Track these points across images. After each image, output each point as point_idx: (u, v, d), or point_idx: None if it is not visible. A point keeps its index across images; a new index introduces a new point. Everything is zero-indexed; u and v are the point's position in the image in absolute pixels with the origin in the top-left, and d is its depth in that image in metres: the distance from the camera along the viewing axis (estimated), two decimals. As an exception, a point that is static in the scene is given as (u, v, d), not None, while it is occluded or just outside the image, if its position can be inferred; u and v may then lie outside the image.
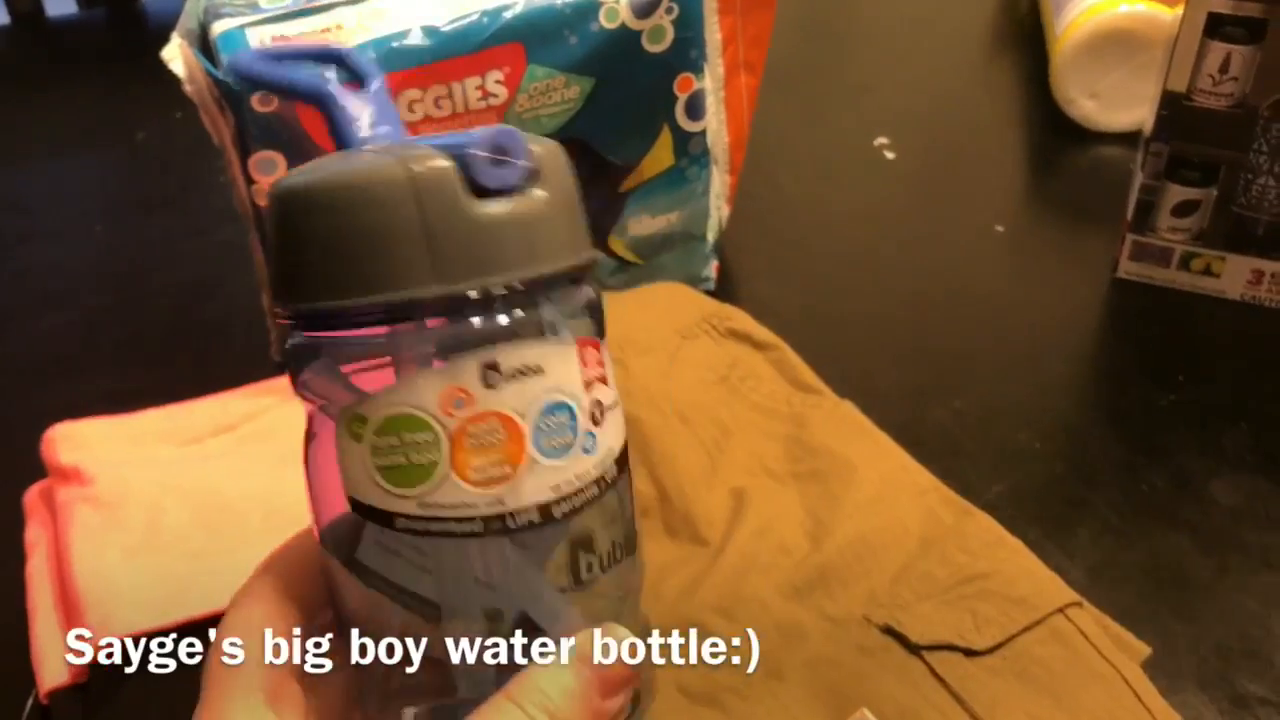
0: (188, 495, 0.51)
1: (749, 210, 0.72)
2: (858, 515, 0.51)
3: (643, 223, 0.63)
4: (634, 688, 0.30)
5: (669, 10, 0.57)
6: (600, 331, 0.30)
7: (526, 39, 0.55)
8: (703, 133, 0.61)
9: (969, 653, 0.45)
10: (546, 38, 0.55)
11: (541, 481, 0.28)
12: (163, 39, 0.55)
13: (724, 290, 0.68)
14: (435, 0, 0.55)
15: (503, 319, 0.27)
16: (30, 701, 0.46)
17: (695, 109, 0.60)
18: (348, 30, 0.54)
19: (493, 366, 0.27)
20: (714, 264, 0.67)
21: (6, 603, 0.49)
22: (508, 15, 0.54)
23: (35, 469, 0.54)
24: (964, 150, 0.80)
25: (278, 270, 0.29)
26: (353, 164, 0.29)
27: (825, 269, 0.70)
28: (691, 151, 0.61)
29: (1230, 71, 0.59)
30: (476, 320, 0.27)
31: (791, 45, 0.91)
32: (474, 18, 0.54)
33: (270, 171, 0.53)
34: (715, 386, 0.57)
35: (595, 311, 0.30)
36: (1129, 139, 0.76)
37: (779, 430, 0.56)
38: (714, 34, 0.61)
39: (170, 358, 0.65)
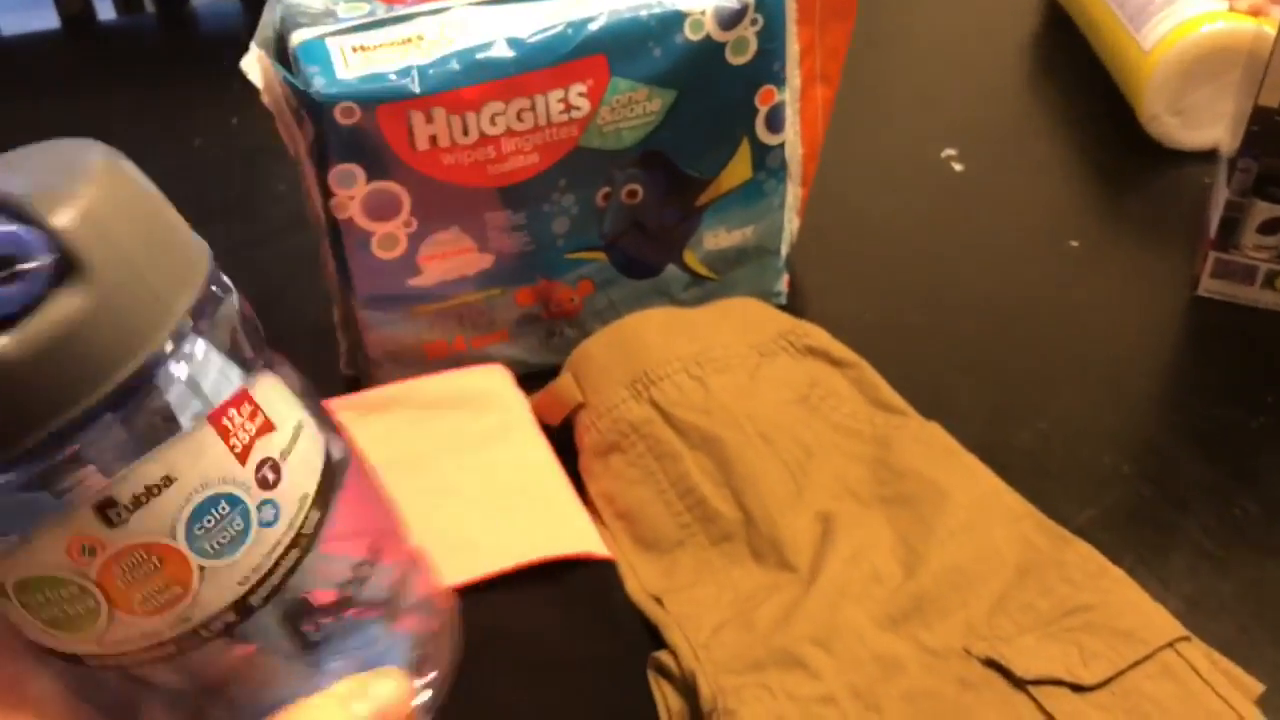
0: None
1: (818, 223, 0.70)
2: (951, 543, 0.49)
3: (718, 237, 0.61)
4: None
5: (753, 22, 0.55)
6: (249, 364, 0.26)
7: (610, 51, 0.54)
8: (781, 146, 0.60)
9: (1076, 688, 0.43)
10: (630, 50, 0.54)
11: (225, 582, 0.24)
12: (214, 43, 0.54)
13: (795, 305, 0.66)
14: (519, 11, 0.54)
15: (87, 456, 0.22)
16: None
17: (775, 121, 0.59)
18: (430, 41, 0.53)
19: (109, 504, 0.23)
20: (785, 278, 0.66)
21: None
22: (592, 27, 0.53)
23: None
24: (1033, 163, 0.78)
25: None
26: None
27: (896, 283, 0.69)
28: (770, 165, 0.60)
29: (1326, 87, 0.58)
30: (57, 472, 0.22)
31: (855, 54, 0.89)
32: (558, 29, 0.53)
33: (350, 184, 0.53)
34: (796, 406, 0.56)
35: (236, 353, 0.25)
36: (1203, 156, 0.75)
37: (863, 452, 0.55)
38: (793, 45, 0.60)
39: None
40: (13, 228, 0.20)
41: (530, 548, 0.49)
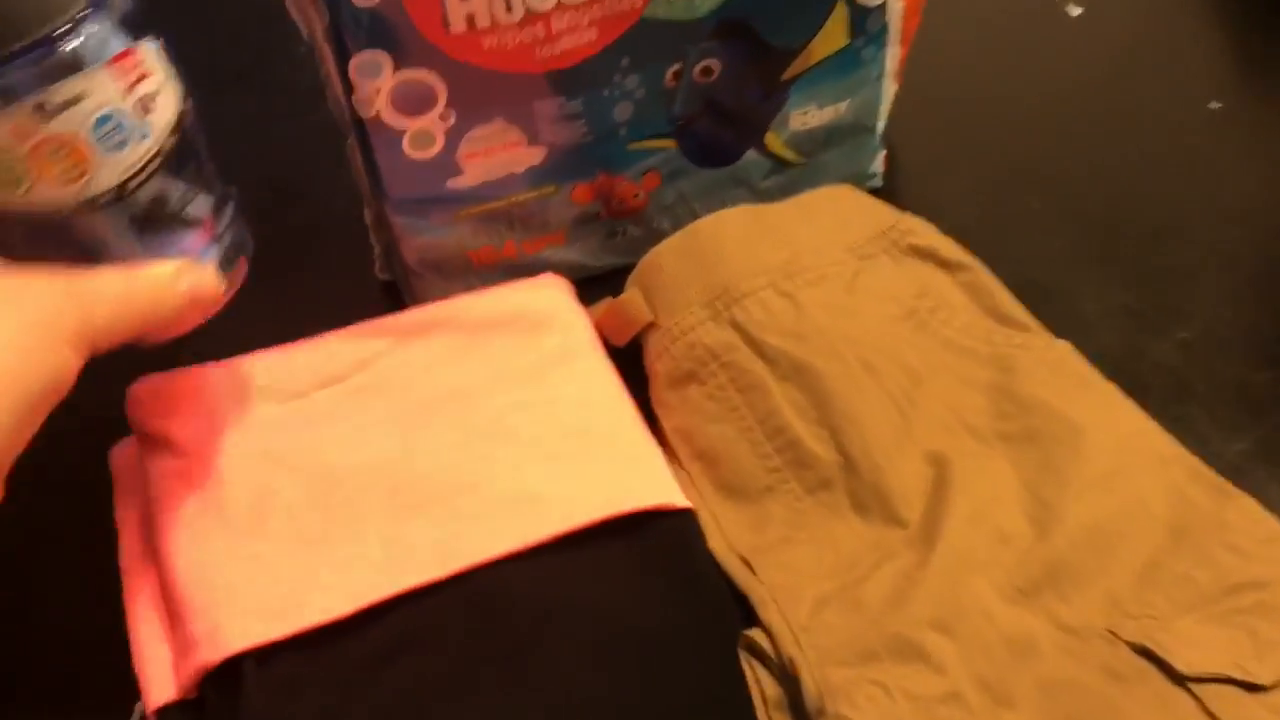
0: (297, 467, 0.44)
1: (916, 87, 0.61)
2: (1089, 495, 0.42)
3: (807, 115, 0.52)
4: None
5: None
6: (136, 35, 0.37)
7: (681, -101, 0.44)
8: (882, 5, 0.50)
9: (1250, 687, 0.37)
10: (705, -103, 0.44)
11: (111, 171, 0.37)
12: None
13: (891, 187, 0.58)
14: None
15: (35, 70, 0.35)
16: (137, 716, 0.41)
17: (878, -23, 0.49)
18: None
19: (40, 106, 0.35)
20: (881, 156, 0.57)
21: (103, 597, 0.43)
22: None
23: (120, 424, 0.47)
24: (1166, 6, 0.67)
25: None
26: None
27: (1006, 158, 0.60)
28: (870, 29, 0.51)
29: None
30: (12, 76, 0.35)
31: None
32: (616, -127, 0.43)
33: (375, 75, 0.44)
34: (902, 322, 0.48)
35: (127, 19, 0.37)
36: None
37: (980, 376, 0.47)
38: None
39: (253, 277, 0.57)
40: None
41: (601, 501, 0.43)
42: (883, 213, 0.52)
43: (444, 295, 0.52)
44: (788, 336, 0.46)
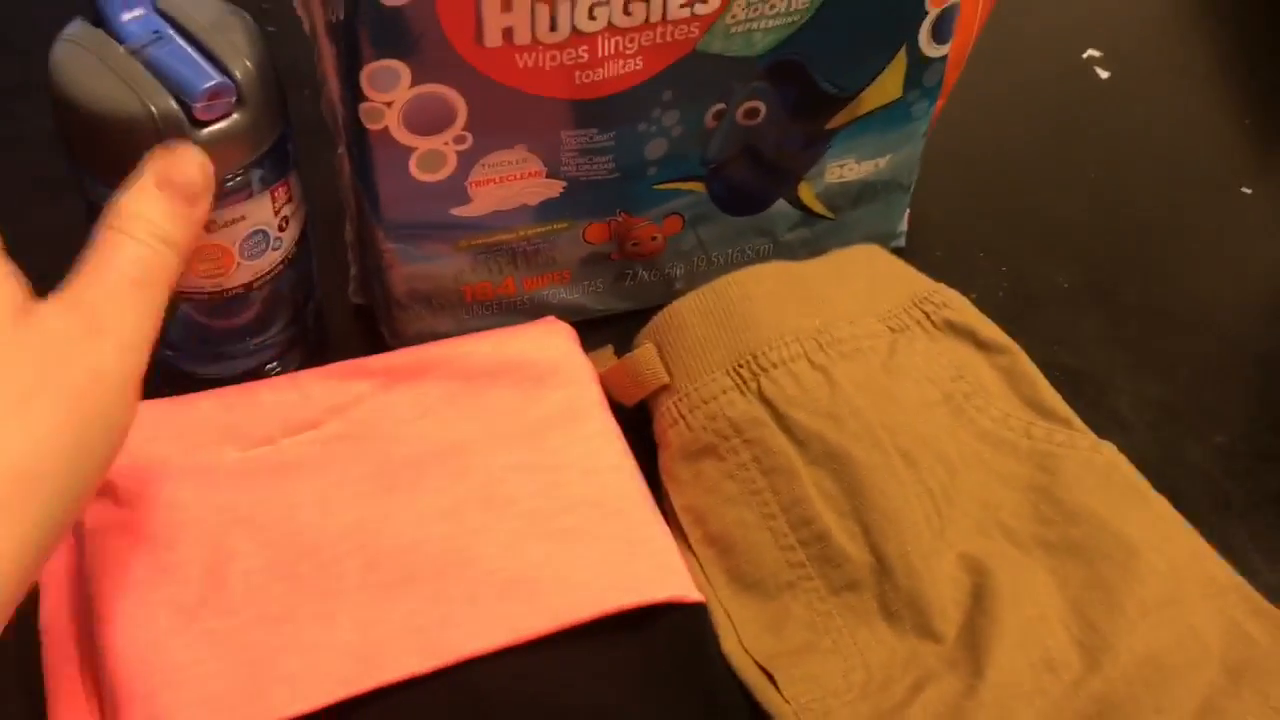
0: (261, 528, 0.38)
1: (942, 143, 0.57)
2: (1144, 624, 0.39)
3: (845, 168, 0.48)
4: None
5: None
6: (287, 169, 0.41)
7: (752, -75, 0.39)
8: (944, 59, 0.46)
9: None
10: (779, -74, 0.39)
11: (246, 273, 0.41)
12: None
13: (913, 249, 0.54)
14: None
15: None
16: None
17: (944, 29, 0.45)
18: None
19: (211, 223, 0.39)
20: (906, 215, 0.53)
21: (13, 665, 0.36)
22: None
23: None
24: (1196, 75, 0.65)
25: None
26: (101, 89, 0.36)
27: (1034, 228, 0.56)
28: (926, 82, 0.46)
29: None
30: None
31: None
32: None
33: (390, 87, 0.38)
34: (939, 408, 0.44)
35: (283, 158, 0.40)
36: None
37: (1019, 473, 0.43)
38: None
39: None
40: (222, 78, 0.37)
41: (606, 591, 0.38)
42: (916, 280, 0.48)
43: (428, 329, 0.47)
44: (821, 416, 0.42)
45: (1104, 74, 0.63)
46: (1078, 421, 0.45)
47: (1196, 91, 0.64)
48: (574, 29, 0.38)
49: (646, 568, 0.39)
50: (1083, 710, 0.37)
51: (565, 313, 0.47)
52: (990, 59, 0.64)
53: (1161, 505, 0.42)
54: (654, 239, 0.47)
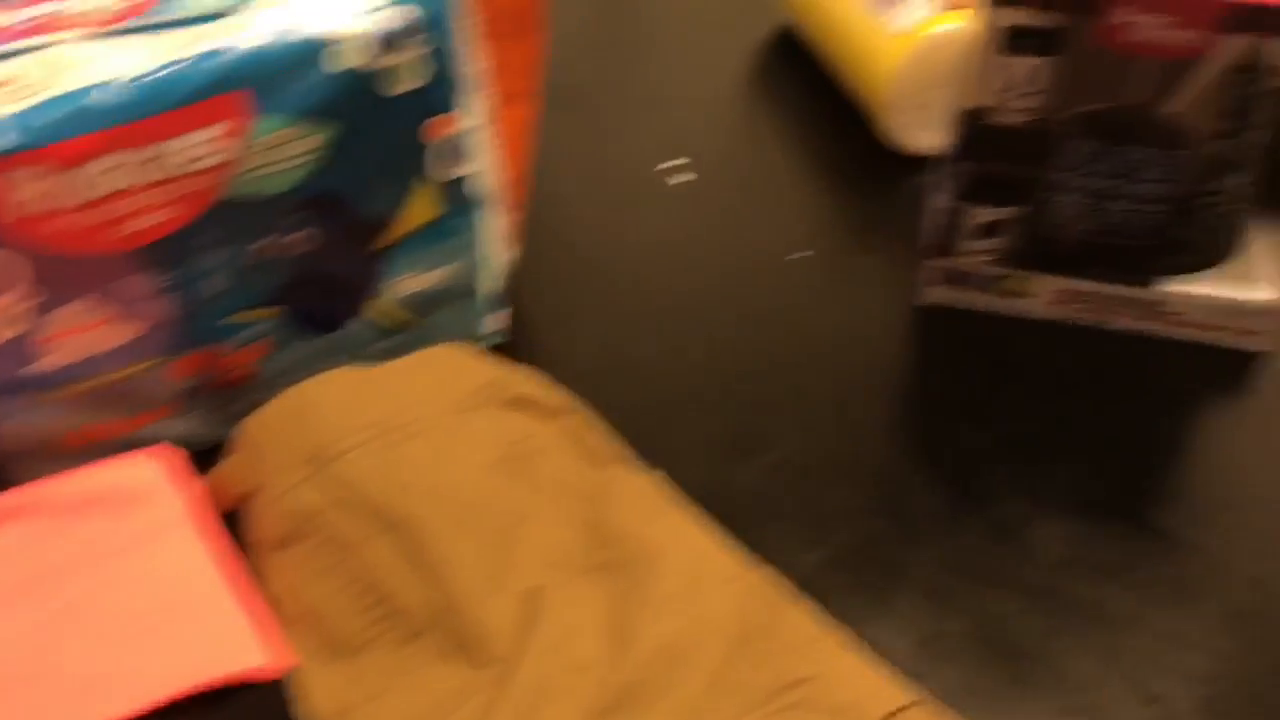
0: None
1: (539, 247, 0.65)
2: (664, 613, 0.45)
3: (408, 281, 0.55)
4: None
5: (418, 45, 0.49)
6: None
7: (249, 86, 0.47)
8: (470, 177, 0.54)
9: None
10: (273, 84, 0.47)
11: None
12: None
13: (515, 342, 0.61)
14: (136, 44, 0.46)
15: None
16: None
17: (458, 151, 0.53)
18: (25, 85, 0.45)
19: None
20: (501, 315, 0.61)
21: None
22: (226, 58, 0.46)
23: None
24: (765, 169, 0.75)
25: None
26: None
27: (622, 309, 0.65)
28: (458, 200, 0.54)
29: (1029, 86, 0.56)
30: None
31: (574, 59, 0.84)
32: (186, 63, 0.46)
33: (-65, 262, 0.44)
34: (499, 468, 0.51)
35: None
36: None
37: (575, 513, 0.50)
38: (478, 64, 0.55)
39: None
40: None
41: (173, 676, 0.42)
42: (489, 368, 0.55)
43: (47, 476, 0.51)
44: (385, 489, 0.48)
45: (686, 179, 0.73)
46: (630, 460, 0.52)
47: (761, 184, 0.74)
48: (97, 192, 0.45)
49: (220, 650, 0.44)
50: (608, 700, 0.43)
51: (187, 442, 0.52)
52: (586, 174, 0.73)
53: (683, 515, 0.49)
54: (242, 365, 0.53)
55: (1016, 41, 0.54)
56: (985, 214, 0.60)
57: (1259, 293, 0.60)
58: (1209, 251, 0.61)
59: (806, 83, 0.81)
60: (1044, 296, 0.62)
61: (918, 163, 0.72)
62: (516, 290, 0.63)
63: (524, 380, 0.55)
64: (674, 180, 0.73)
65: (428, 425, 0.51)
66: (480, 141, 0.56)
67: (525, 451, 0.52)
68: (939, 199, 0.61)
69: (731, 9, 0.90)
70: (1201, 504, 0.54)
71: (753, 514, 0.53)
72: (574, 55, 0.86)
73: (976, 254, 0.62)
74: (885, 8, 0.73)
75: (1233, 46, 0.52)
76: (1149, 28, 0.52)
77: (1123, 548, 0.52)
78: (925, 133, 0.72)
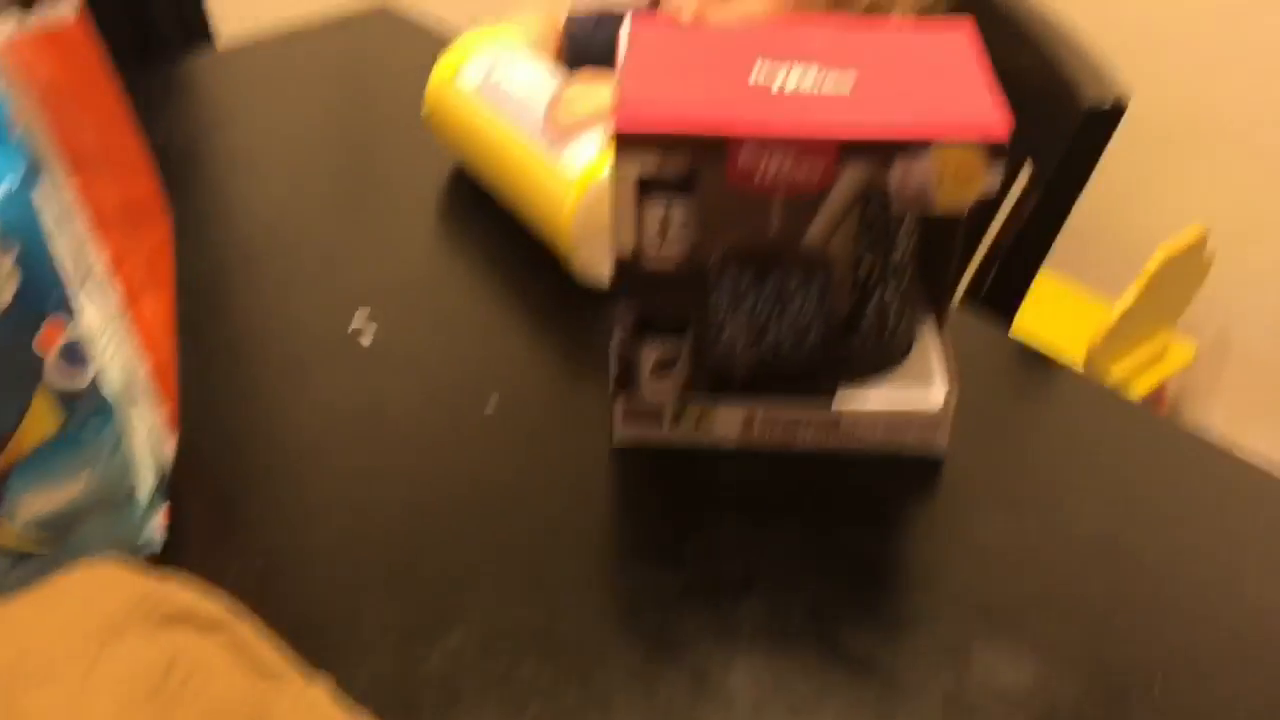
0: None
1: (203, 436, 0.61)
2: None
3: (40, 500, 0.51)
4: None
5: (6, 248, 0.46)
6: None
7: None
8: (93, 382, 0.50)
9: None
10: None
11: None
12: None
13: (176, 546, 0.57)
14: None
15: None
16: None
17: (78, 356, 0.49)
18: None
19: None
20: (159, 519, 0.56)
21: None
22: None
23: None
24: (454, 317, 0.73)
25: None
26: None
27: (303, 489, 0.61)
28: (86, 405, 0.50)
29: (672, 227, 0.56)
30: None
31: (249, 220, 0.82)
32: None
33: None
34: (148, 704, 0.46)
35: None
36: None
37: (238, 736, 0.46)
38: (94, 259, 0.51)
39: None
40: None
41: None
42: (138, 584, 0.50)
43: None
44: (6, 752, 0.43)
45: (366, 341, 0.71)
46: (294, 673, 0.49)
47: (446, 336, 0.72)
48: None
49: None
50: None
51: None
52: (266, 345, 0.70)
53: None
54: None
55: (647, 189, 0.55)
56: (657, 350, 0.60)
57: (929, 397, 0.62)
58: (875, 363, 0.62)
59: (493, 222, 0.80)
60: (729, 425, 0.62)
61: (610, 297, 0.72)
62: (177, 488, 0.58)
63: (181, 592, 0.50)
64: (360, 338, 0.71)
65: (61, 666, 0.46)
66: (109, 339, 0.52)
67: (182, 675, 0.47)
68: (615, 338, 0.61)
69: (406, 154, 0.89)
70: (890, 622, 0.55)
71: (441, 699, 0.50)
72: (250, 217, 0.83)
73: (657, 389, 0.62)
74: (557, 148, 0.73)
75: (854, 178, 0.54)
76: (774, 167, 0.54)
77: (819, 679, 0.52)
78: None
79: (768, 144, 0.53)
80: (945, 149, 0.53)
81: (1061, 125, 0.75)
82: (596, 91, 0.73)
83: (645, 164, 0.54)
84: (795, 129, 0.53)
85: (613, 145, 0.54)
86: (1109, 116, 0.73)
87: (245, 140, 0.93)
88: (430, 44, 0.87)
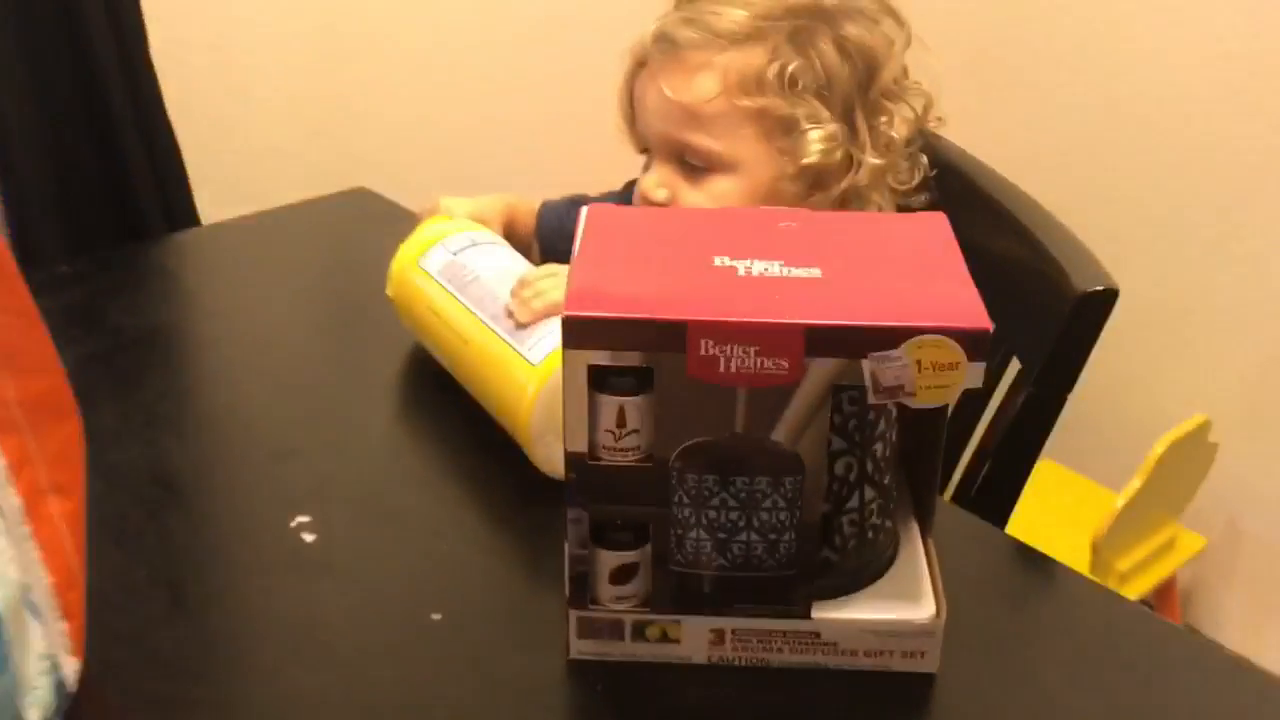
0: None
1: (122, 653, 0.56)
2: None
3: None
4: None
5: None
6: None
7: None
8: (-20, 602, 0.45)
9: None
10: None
11: None
12: None
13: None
14: None
15: None
16: None
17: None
18: None
19: None
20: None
21: None
22: None
23: None
24: (401, 516, 0.68)
25: None
26: None
27: (232, 712, 0.55)
28: (-38, 624, 0.45)
29: (628, 425, 0.52)
30: None
31: (202, 404, 0.78)
32: None
33: None
34: None
35: None
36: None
37: None
38: (-7, 459, 0.47)
39: None
40: None
41: None
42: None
43: None
44: None
45: (309, 538, 0.65)
46: None
47: (390, 537, 0.67)
48: None
49: None
50: None
51: None
52: (204, 548, 0.64)
53: None
54: None
55: (602, 380, 0.50)
56: (614, 558, 0.55)
57: (917, 612, 0.56)
58: (856, 572, 0.57)
59: (454, 409, 0.76)
60: (696, 640, 0.56)
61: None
62: (81, 714, 0.52)
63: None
64: (302, 534, 0.65)
65: None
66: (10, 544, 0.47)
67: None
68: (570, 542, 0.55)
69: (371, 337, 0.85)
70: None
71: None
72: (207, 402, 0.79)
73: (616, 601, 0.56)
74: (520, 335, 0.69)
75: (824, 370, 0.50)
76: (737, 357, 0.49)
77: None
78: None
79: (730, 331, 0.49)
80: (922, 339, 0.48)
81: (1053, 312, 0.71)
82: (564, 279, 0.70)
83: (597, 352, 0.50)
84: (760, 314, 0.49)
85: (562, 331, 0.50)
86: (1102, 301, 0.70)
87: (213, 321, 0.90)
88: (406, 224, 0.84)
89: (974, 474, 0.76)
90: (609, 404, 0.51)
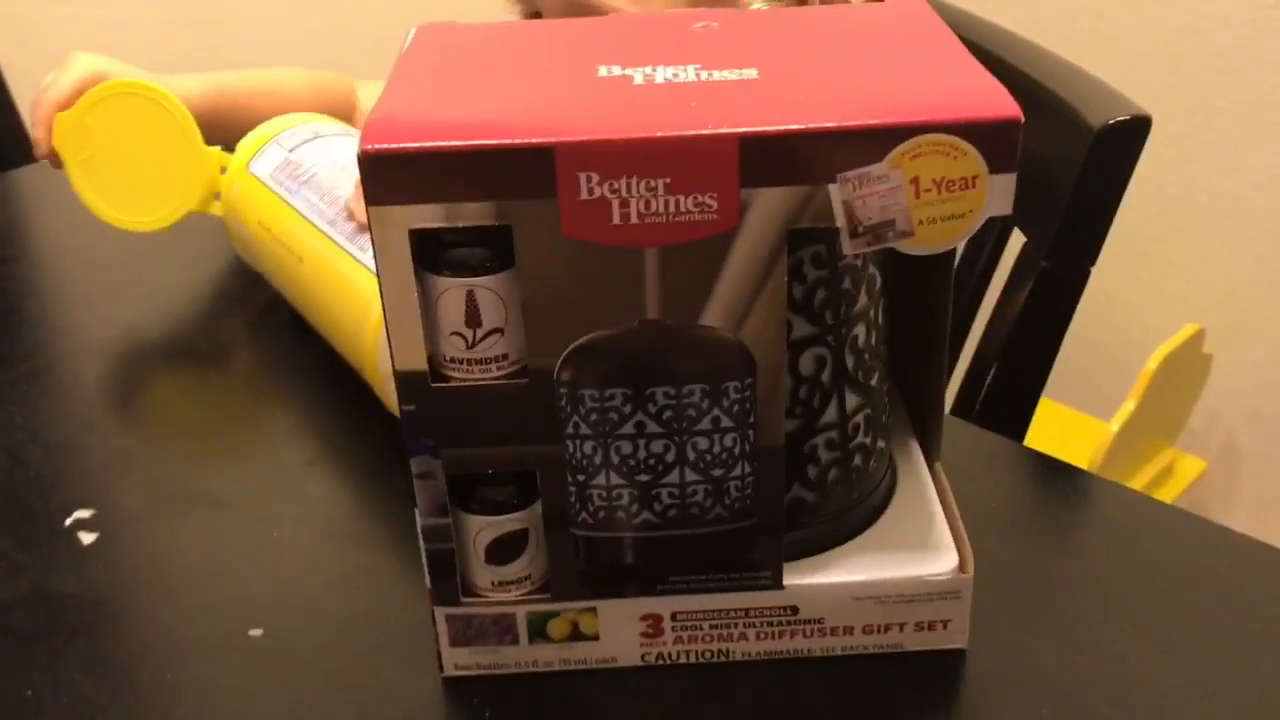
0: None
1: None
2: None
3: None
4: None
5: None
6: None
7: None
8: None
9: None
10: None
11: None
12: None
13: None
14: None
15: None
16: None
17: None
18: None
19: None
20: None
21: None
22: None
23: None
24: (202, 503, 0.50)
25: None
26: None
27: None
28: None
29: (484, 322, 0.34)
30: None
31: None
32: None
33: None
34: None
35: None
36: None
37: None
38: None
39: None
40: None
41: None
42: None
43: None
44: None
45: (89, 538, 0.47)
46: None
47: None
48: None
49: None
50: None
51: None
52: None
53: None
54: None
55: (436, 256, 0.33)
56: (489, 526, 0.37)
57: (934, 564, 0.39)
58: (840, 516, 0.40)
59: (304, 354, 0.58)
60: (622, 634, 0.39)
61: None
62: None
63: None
64: (80, 537, 0.47)
65: None
66: None
67: None
68: (421, 513, 0.38)
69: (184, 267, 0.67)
70: None
71: None
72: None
73: (499, 588, 0.38)
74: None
75: (771, 208, 0.32)
76: (637, 200, 0.32)
77: None
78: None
79: (622, 155, 0.31)
80: (920, 141, 0.31)
81: (1064, 162, 0.54)
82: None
83: (421, 208, 0.32)
84: (669, 126, 0.32)
85: (361, 178, 0.32)
86: (1129, 133, 0.53)
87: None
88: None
89: (976, 384, 0.59)
90: (452, 291, 0.33)
